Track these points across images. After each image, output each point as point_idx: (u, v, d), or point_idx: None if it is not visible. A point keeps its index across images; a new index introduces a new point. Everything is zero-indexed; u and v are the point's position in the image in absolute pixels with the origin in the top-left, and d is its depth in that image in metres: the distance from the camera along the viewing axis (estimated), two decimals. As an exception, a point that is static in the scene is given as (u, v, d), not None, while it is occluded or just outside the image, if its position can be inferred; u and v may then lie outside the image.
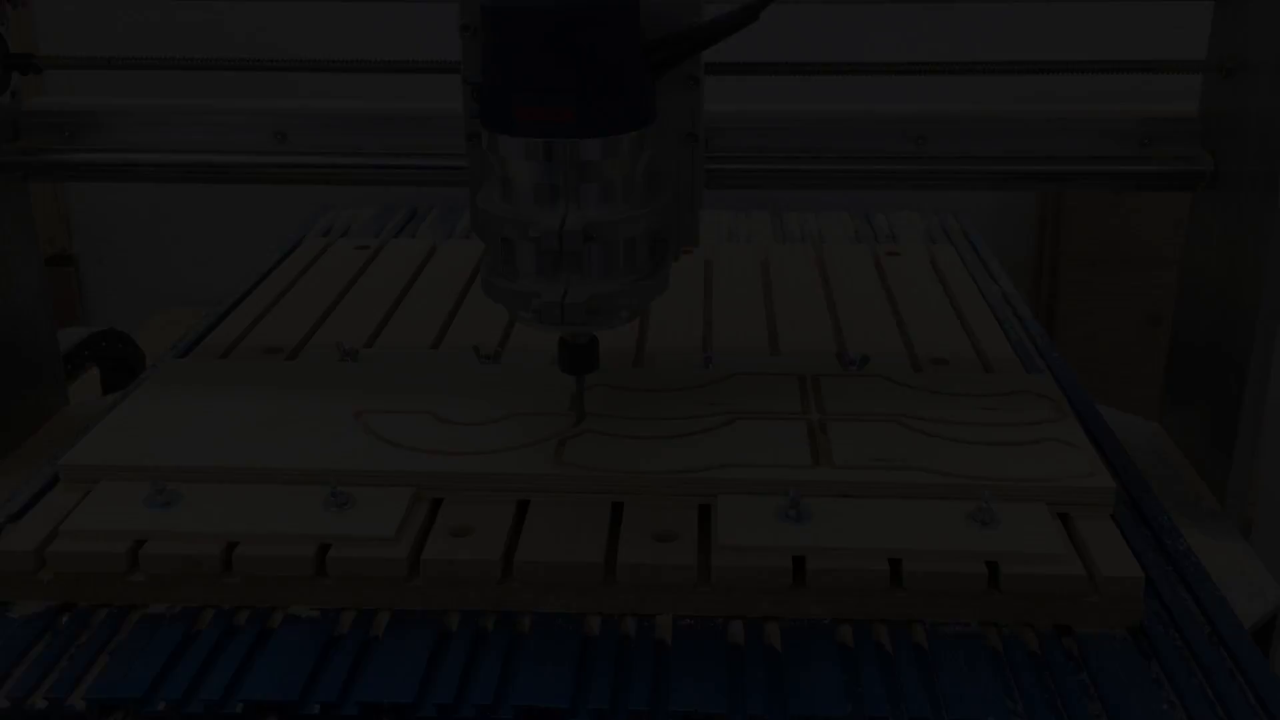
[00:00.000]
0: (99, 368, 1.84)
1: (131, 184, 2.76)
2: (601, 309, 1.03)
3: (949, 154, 1.31)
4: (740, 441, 1.17)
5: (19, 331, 1.41)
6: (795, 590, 1.02)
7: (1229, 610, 1.04)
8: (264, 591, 1.04)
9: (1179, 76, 1.29)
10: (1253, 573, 1.15)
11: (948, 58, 1.28)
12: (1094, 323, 2.63)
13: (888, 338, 1.52)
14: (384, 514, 1.07)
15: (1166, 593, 1.06)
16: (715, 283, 1.72)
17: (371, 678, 0.95)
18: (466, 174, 1.17)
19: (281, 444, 1.17)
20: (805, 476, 1.11)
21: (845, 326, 1.56)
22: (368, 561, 1.03)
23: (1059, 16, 2.54)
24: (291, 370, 1.34)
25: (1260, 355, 1.22)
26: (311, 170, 1.35)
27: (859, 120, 1.32)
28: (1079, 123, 1.30)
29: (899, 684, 0.95)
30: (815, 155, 1.31)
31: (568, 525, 1.08)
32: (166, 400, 1.26)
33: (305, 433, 1.19)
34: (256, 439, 1.17)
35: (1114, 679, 0.95)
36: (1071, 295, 2.63)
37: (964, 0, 1.44)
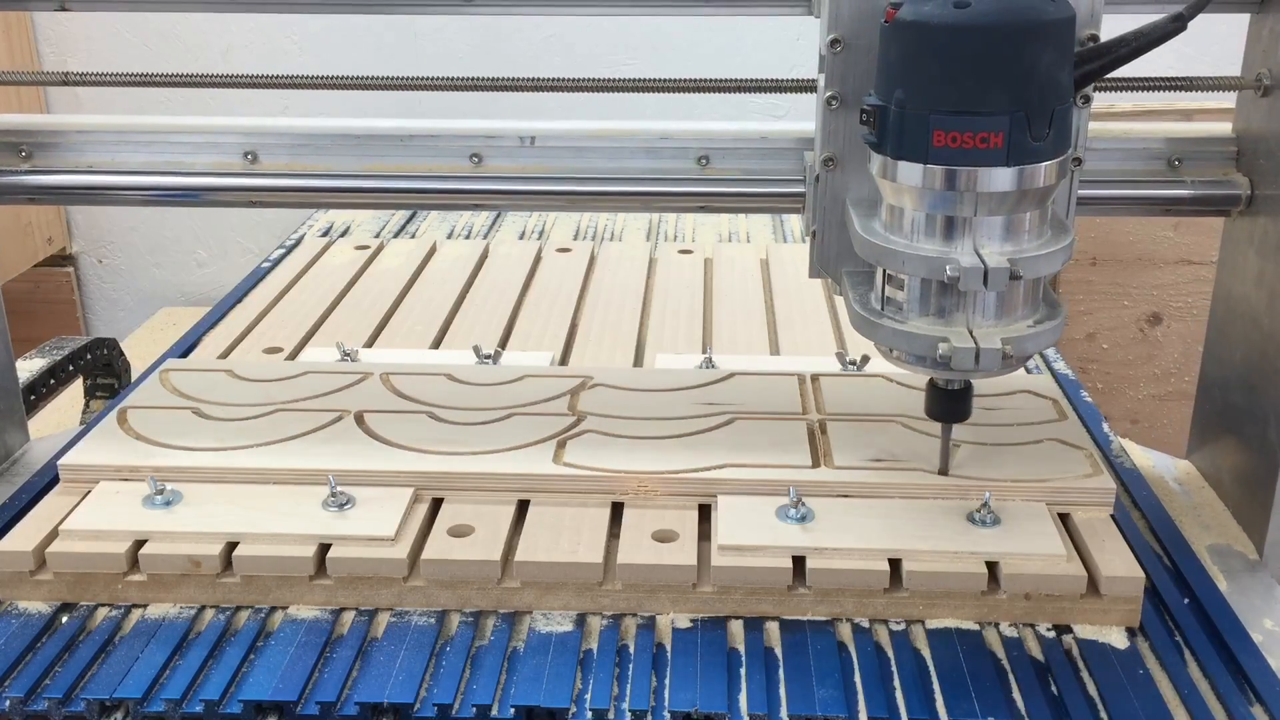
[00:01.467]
0: (84, 378, 1.84)
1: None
2: (1015, 353, 0.93)
3: None
4: (740, 441, 1.17)
5: None
6: (795, 590, 1.02)
7: (1229, 610, 1.04)
8: (264, 591, 1.04)
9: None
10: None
11: None
12: (1094, 323, 2.63)
13: (888, 338, 1.52)
14: (384, 514, 1.07)
15: (1166, 593, 1.06)
16: (715, 283, 1.72)
17: (371, 678, 0.95)
18: (803, 200, 1.13)
19: (281, 444, 1.17)
20: (805, 476, 1.11)
21: (845, 326, 1.56)
22: (368, 561, 1.03)
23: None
24: (291, 370, 1.34)
25: None
26: (283, 193, 1.26)
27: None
28: (1104, 142, 1.21)
29: (899, 684, 0.95)
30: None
31: (568, 525, 1.08)
32: (166, 400, 1.26)
33: (305, 433, 1.19)
34: (256, 439, 1.17)
35: (1114, 679, 0.95)
36: (1071, 295, 2.63)
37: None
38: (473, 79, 1.19)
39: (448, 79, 1.19)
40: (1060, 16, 0.89)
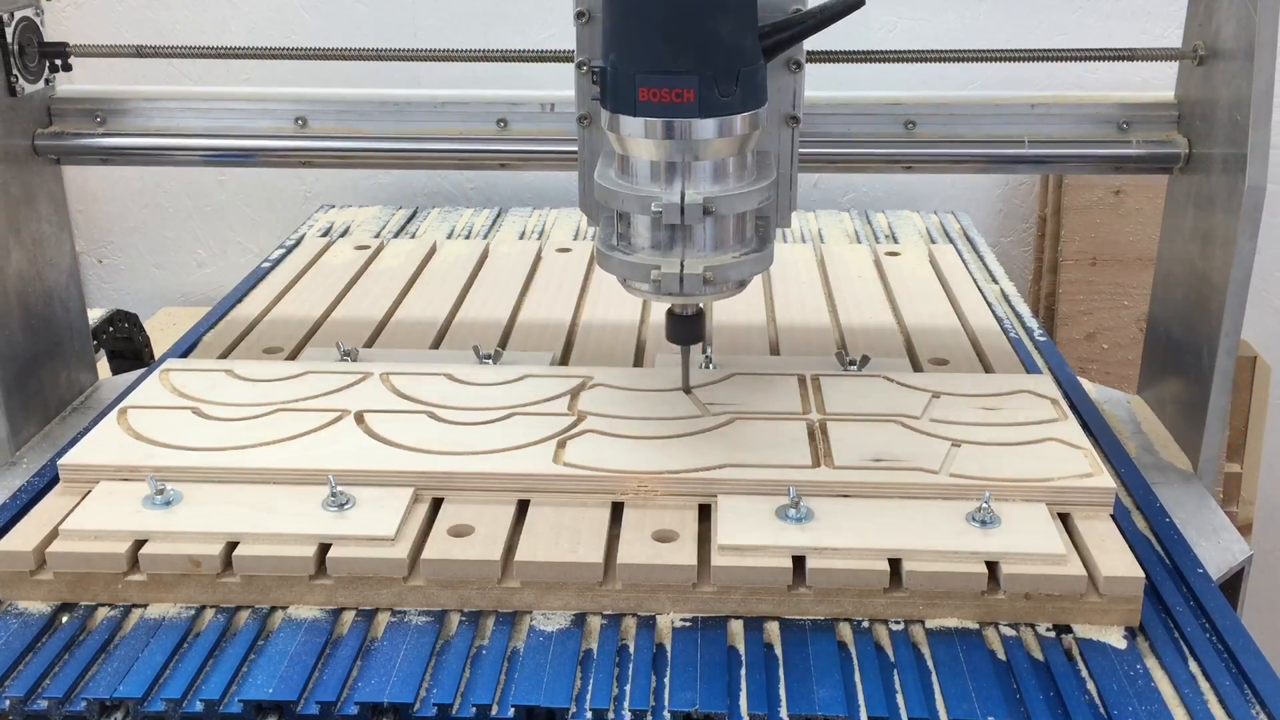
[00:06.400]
0: (107, 353, 1.86)
1: (133, 184, 2.76)
2: (716, 280, 1.07)
3: (938, 137, 1.38)
4: (740, 441, 1.17)
5: (53, 309, 1.45)
6: (795, 590, 1.02)
7: (1229, 610, 1.04)
8: (264, 591, 1.04)
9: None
10: (1222, 530, 1.24)
11: (930, 45, 1.33)
12: (1094, 323, 2.63)
13: (888, 338, 1.52)
14: (384, 514, 1.07)
15: (1167, 593, 1.06)
16: (715, 283, 1.72)
17: (371, 678, 0.95)
18: (575, 155, 1.23)
19: (281, 444, 1.17)
20: (805, 476, 1.11)
21: (845, 326, 1.56)
22: (368, 561, 1.03)
23: (1048, 9, 2.55)
24: (291, 370, 1.34)
25: (1230, 326, 1.28)
26: (331, 154, 1.42)
27: (850, 106, 1.38)
28: (1061, 108, 1.36)
29: (899, 684, 0.95)
30: (808, 139, 1.35)
31: (568, 525, 1.08)
32: (166, 400, 1.26)
33: (305, 433, 1.19)
34: (256, 439, 1.17)
35: (1114, 679, 0.95)
36: (1071, 295, 2.63)
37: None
38: (481, 50, 1.33)
39: (464, 51, 1.32)
40: None
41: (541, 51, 1.32)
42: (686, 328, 1.19)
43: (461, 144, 1.40)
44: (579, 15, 1.14)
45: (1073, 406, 1.35)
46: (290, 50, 1.38)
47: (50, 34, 1.41)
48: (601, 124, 1.09)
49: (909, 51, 1.33)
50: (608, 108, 1.06)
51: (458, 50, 1.34)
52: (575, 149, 1.24)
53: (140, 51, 1.38)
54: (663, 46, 1.01)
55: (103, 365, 1.87)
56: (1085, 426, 1.32)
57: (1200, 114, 1.33)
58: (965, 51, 1.33)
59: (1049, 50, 1.33)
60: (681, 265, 1.07)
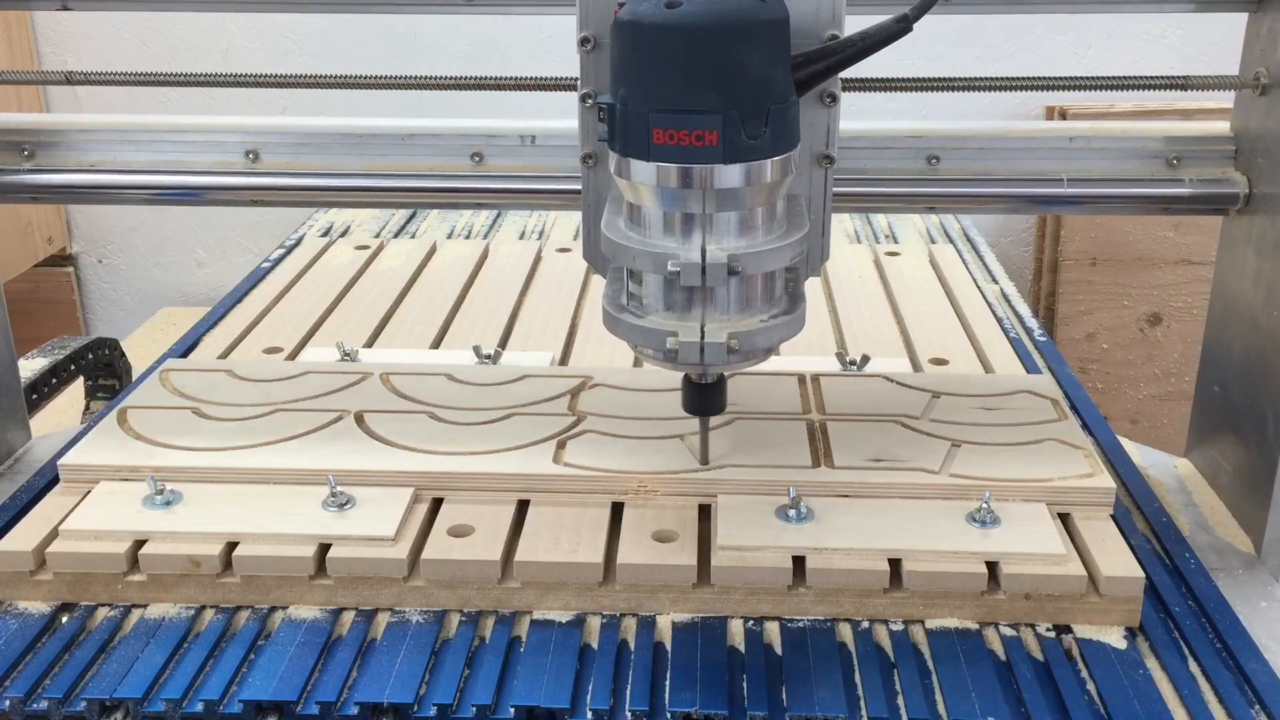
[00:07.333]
0: (85, 379, 1.83)
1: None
2: (742, 348, 0.94)
3: (965, 174, 1.23)
4: (740, 441, 1.17)
5: None
6: (795, 590, 1.02)
7: (1229, 610, 1.04)
8: (264, 591, 1.04)
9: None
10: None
11: (961, 74, 1.22)
12: (1094, 323, 2.64)
13: (888, 338, 1.52)
14: (384, 514, 1.07)
15: (1167, 593, 1.06)
16: (715, 283, 1.72)
17: (371, 678, 0.95)
18: (579, 198, 1.09)
19: (281, 444, 1.17)
20: (805, 476, 1.11)
21: (845, 326, 1.56)
22: (368, 561, 1.03)
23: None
24: (291, 370, 1.34)
25: None
26: (285, 192, 1.27)
27: (865, 138, 1.23)
28: (1103, 141, 1.22)
29: (899, 684, 0.95)
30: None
31: (568, 525, 1.08)
32: (166, 400, 1.26)
33: (305, 433, 1.19)
34: (256, 439, 1.17)
35: (1114, 679, 0.95)
36: (1071, 295, 2.63)
37: (988, 12, 1.36)
38: (473, 78, 1.20)
39: (447, 79, 1.19)
40: (769, 17, 0.90)
41: (541, 79, 1.18)
42: (706, 398, 1.05)
43: (431, 181, 1.25)
44: (583, 41, 1.00)
45: (1073, 408, 1.35)
46: (231, 77, 1.21)
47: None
48: (609, 167, 0.96)
49: (956, 79, 1.17)
50: (616, 150, 0.93)
51: (441, 78, 1.20)
52: (560, 188, 1.13)
53: (69, 79, 1.23)
54: (680, 81, 0.88)
55: (78, 392, 1.85)
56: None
57: (1263, 149, 1.18)
58: (1011, 79, 1.18)
59: (1093, 79, 1.18)
60: (702, 331, 0.93)
